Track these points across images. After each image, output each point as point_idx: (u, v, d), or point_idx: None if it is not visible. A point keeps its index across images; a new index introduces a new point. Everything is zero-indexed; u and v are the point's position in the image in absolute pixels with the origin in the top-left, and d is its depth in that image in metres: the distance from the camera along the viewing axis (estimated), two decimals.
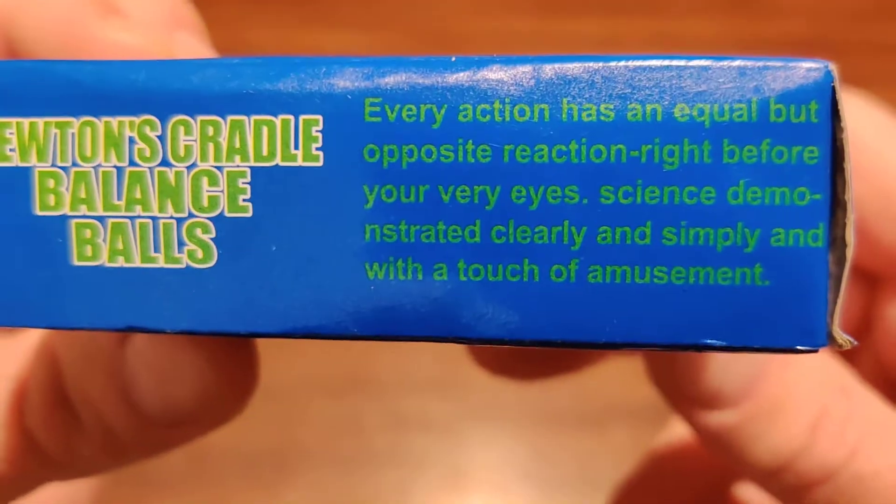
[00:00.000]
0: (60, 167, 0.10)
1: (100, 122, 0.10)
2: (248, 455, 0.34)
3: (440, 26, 0.46)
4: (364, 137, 0.09)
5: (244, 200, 0.09)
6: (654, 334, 0.09)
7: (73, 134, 0.10)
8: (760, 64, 0.09)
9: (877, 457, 0.12)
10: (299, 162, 0.09)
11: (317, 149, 0.09)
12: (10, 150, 0.10)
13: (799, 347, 0.09)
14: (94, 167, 0.10)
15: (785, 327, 0.09)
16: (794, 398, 0.12)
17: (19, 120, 0.10)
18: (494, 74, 0.09)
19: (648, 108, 0.09)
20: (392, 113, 0.09)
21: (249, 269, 0.10)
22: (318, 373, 0.35)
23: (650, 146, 0.09)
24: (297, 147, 0.09)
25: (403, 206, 0.09)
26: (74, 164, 0.10)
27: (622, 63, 0.09)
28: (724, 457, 0.13)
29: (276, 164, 0.09)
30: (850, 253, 0.09)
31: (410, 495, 0.33)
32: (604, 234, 0.09)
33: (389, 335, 0.10)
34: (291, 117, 0.09)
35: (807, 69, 0.09)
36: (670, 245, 0.09)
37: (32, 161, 0.10)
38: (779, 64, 0.09)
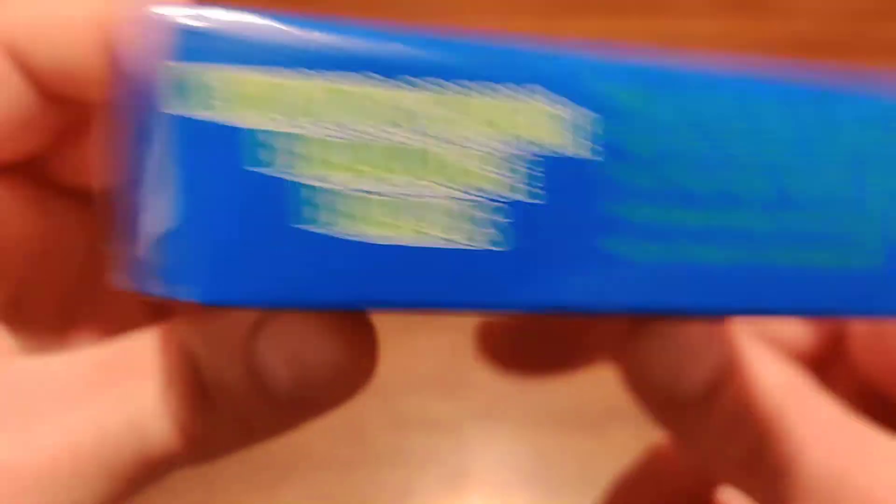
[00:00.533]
0: (318, 129, 0.09)
1: (366, 85, 0.09)
2: (250, 455, 0.34)
3: (443, 26, 0.46)
4: (625, 132, 0.10)
5: (521, 183, 0.09)
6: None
7: (329, 93, 0.09)
8: None
9: (832, 462, 0.13)
10: (571, 152, 0.10)
11: (588, 142, 0.10)
12: (252, 105, 0.09)
13: None
14: (356, 131, 0.09)
15: None
16: (750, 410, 0.13)
17: (255, 76, 0.09)
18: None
19: None
20: (654, 109, 0.10)
21: (546, 247, 0.10)
22: None
23: None
24: (572, 137, 0.10)
25: (648, 192, 0.10)
26: (337, 128, 0.09)
27: None
28: (690, 455, 0.14)
29: (555, 153, 0.10)
30: None
31: (411, 495, 0.34)
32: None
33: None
34: (570, 110, 0.10)
35: None
36: None
37: (271, 118, 0.09)
38: None
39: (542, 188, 0.09)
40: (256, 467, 0.34)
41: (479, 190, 0.09)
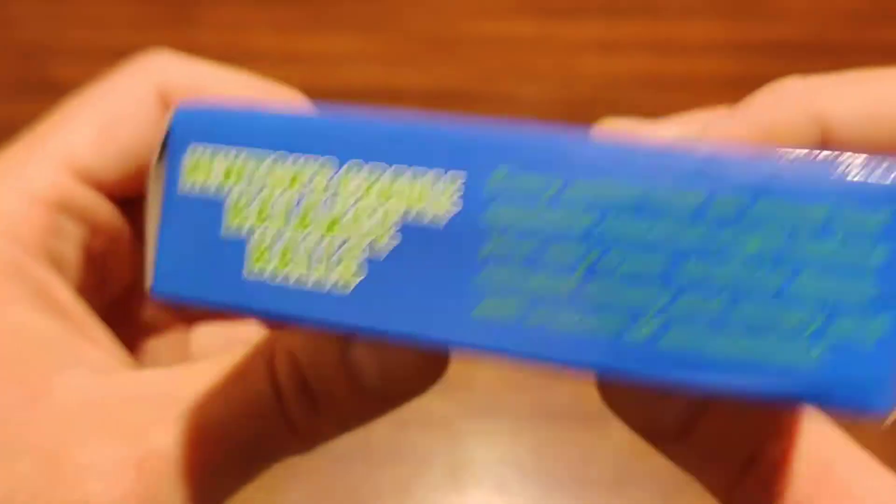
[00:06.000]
0: (253, 192, 0.12)
1: (290, 159, 0.12)
2: None
3: (444, 29, 0.46)
4: (488, 198, 0.11)
5: (392, 236, 0.11)
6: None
7: (267, 166, 0.12)
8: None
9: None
10: (441, 211, 0.11)
11: (454, 202, 0.11)
12: (216, 178, 0.12)
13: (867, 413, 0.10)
14: (281, 193, 0.12)
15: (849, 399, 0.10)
16: (728, 440, 0.14)
17: (227, 153, 0.12)
18: (626, 173, 0.11)
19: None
20: (514, 182, 0.11)
21: (387, 292, 0.11)
22: None
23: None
24: (440, 197, 0.11)
25: (512, 259, 0.11)
26: (263, 190, 0.12)
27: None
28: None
29: (422, 210, 0.11)
30: None
31: (411, 493, 0.34)
32: (685, 303, 0.10)
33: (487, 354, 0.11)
34: (442, 172, 0.11)
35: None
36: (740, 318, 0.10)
37: (230, 188, 0.12)
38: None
39: (408, 240, 0.11)
40: None
41: (361, 237, 0.12)
